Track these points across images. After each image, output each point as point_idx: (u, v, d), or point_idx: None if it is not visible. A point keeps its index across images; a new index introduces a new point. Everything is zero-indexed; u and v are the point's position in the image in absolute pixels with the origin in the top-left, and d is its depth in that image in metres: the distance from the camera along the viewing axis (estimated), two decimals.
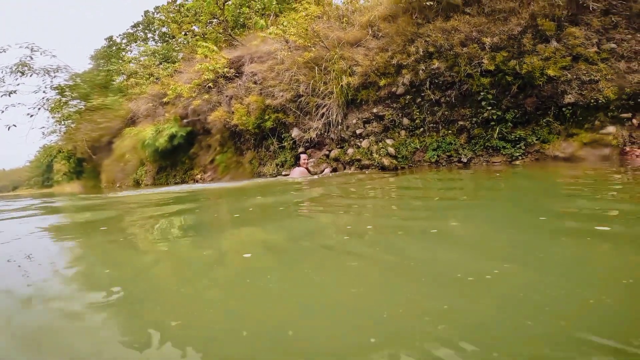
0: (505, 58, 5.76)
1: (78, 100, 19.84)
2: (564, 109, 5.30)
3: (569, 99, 5.22)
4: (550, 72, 5.28)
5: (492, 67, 5.80)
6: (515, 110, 5.65)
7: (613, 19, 5.48)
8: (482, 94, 5.87)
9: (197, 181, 10.05)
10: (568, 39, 5.51)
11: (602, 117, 5.00)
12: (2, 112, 16.25)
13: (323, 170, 7.32)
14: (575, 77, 5.28)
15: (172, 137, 9.93)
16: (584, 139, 5.00)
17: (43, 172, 27.76)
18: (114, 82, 17.72)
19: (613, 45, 5.32)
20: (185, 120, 10.32)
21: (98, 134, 14.83)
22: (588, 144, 4.98)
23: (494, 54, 5.86)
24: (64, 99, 19.17)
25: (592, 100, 5.11)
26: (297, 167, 7.42)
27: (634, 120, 4.84)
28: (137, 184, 12.32)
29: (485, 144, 5.83)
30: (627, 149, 4.69)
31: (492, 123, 5.80)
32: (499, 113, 5.72)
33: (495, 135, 5.68)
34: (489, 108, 5.80)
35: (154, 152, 10.45)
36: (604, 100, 4.93)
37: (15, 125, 16.32)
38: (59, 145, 19.44)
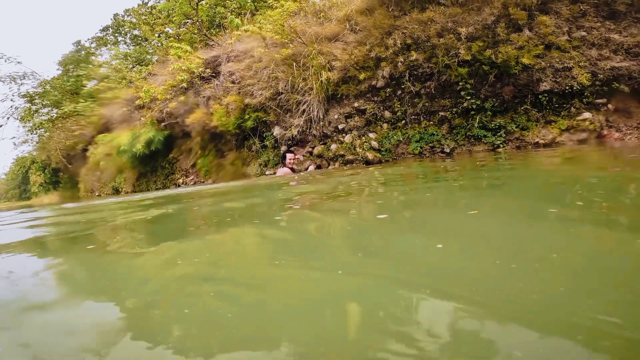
0: (481, 48, 5.80)
1: (49, 108, 19.10)
2: (540, 97, 5.39)
3: (544, 86, 5.30)
4: (525, 61, 5.35)
5: (469, 57, 5.83)
6: (494, 99, 5.70)
7: (581, 7, 5.59)
8: (460, 84, 5.91)
9: (178, 185, 9.81)
10: (540, 28, 5.60)
11: (577, 104, 5.12)
12: None
13: (307, 168, 7.24)
14: (549, 65, 5.37)
15: (149, 142, 9.63)
16: (561, 125, 5.11)
17: (19, 184, 26.70)
18: (84, 88, 17.09)
19: (583, 33, 5.43)
20: (163, 124, 10.04)
21: (72, 142, 14.28)
22: (566, 130, 5.08)
23: (469, 44, 5.90)
24: (34, 107, 18.41)
25: (567, 87, 5.21)
26: (282, 167, 7.22)
27: (610, 106, 4.97)
28: (116, 191, 11.93)
29: (466, 134, 5.88)
30: (605, 132, 4.80)
31: (472, 112, 5.84)
32: (478, 102, 5.77)
33: (476, 125, 5.73)
34: (468, 98, 5.84)
35: (132, 158, 10.13)
36: (578, 87, 5.03)
37: None
38: (32, 155, 18.67)
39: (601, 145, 4.58)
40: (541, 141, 5.25)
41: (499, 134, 5.57)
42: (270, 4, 9.12)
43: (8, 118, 16.87)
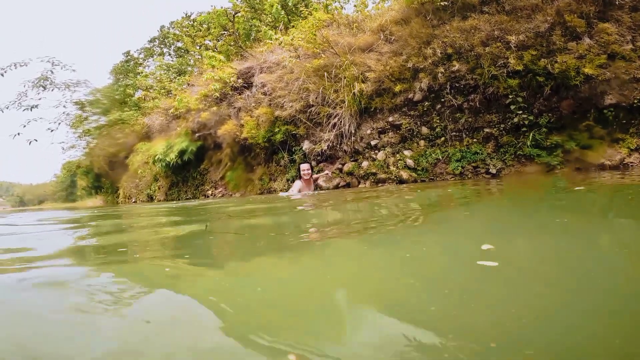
0: (534, 57, 5.10)
1: (98, 116, 19.96)
2: (605, 111, 4.59)
3: (609, 99, 4.52)
4: (588, 71, 4.60)
5: (520, 67, 5.15)
6: (550, 114, 4.96)
7: None
8: (510, 97, 5.21)
9: (207, 196, 9.66)
10: (601, 36, 4.84)
11: None
12: (24, 126, 16.20)
13: (337, 185, 6.76)
14: (614, 76, 4.58)
15: (182, 152, 9.58)
16: (630, 144, 4.29)
17: (67, 187, 28.25)
18: (131, 97, 17.69)
19: None
20: (196, 135, 9.97)
21: (115, 149, 14.73)
22: (636, 150, 4.27)
23: (521, 52, 5.21)
24: (84, 114, 19.30)
25: (636, 101, 4.39)
26: (297, 181, 6.15)
27: None
28: (150, 199, 12.06)
29: (516, 152, 5.15)
30: None
31: (524, 129, 5.12)
32: (531, 118, 5.05)
33: (529, 143, 5.00)
34: (519, 112, 5.13)
35: (166, 167, 10.13)
36: None
37: (36, 140, 16.36)
38: (78, 160, 19.57)
39: None
40: (607, 162, 4.45)
41: (555, 153, 4.81)
42: (303, 15, 8.83)
43: (59, 123, 17.65)
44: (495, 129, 5.40)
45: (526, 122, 5.05)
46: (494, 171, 5.27)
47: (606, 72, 4.60)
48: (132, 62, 21.98)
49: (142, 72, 19.60)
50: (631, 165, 4.25)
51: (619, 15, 4.97)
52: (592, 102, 4.65)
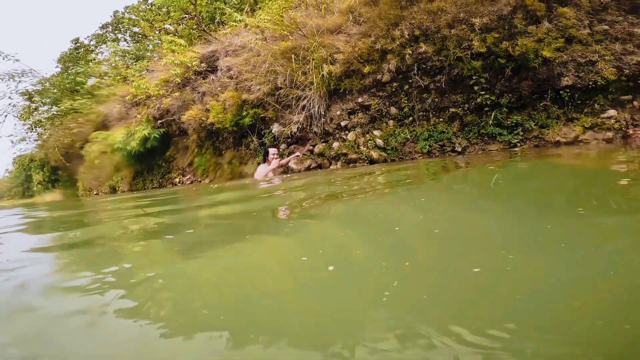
0: (496, 39, 5.26)
1: (48, 106, 18.59)
2: (561, 92, 4.85)
3: (566, 81, 4.76)
4: (546, 54, 4.81)
5: (483, 50, 5.29)
6: (510, 95, 5.17)
7: (602, 0, 5.04)
8: (474, 78, 5.37)
9: (175, 185, 9.29)
10: (559, 20, 5.06)
11: (601, 100, 4.60)
12: None
13: (309, 167, 6.73)
14: (571, 58, 4.84)
15: (145, 139, 9.10)
16: (585, 123, 4.58)
17: (22, 182, 26.27)
18: (83, 85, 16.58)
19: (606, 27, 4.91)
20: (159, 122, 9.51)
21: (70, 139, 13.77)
22: (590, 128, 4.56)
23: (484, 35, 5.36)
24: (33, 105, 17.89)
25: (591, 83, 4.68)
26: (260, 165, 6.17)
27: (635, 103, 4.45)
28: (113, 190, 11.42)
29: (479, 131, 5.34)
30: (630, 131, 4.28)
31: (486, 109, 5.30)
32: (493, 98, 5.24)
33: (491, 122, 5.19)
34: (482, 93, 5.31)
35: (128, 156, 9.61)
36: (602, 82, 4.51)
37: None
38: (31, 153, 18.18)
39: (626, 144, 4.05)
40: (562, 139, 4.72)
41: (515, 131, 5.03)
42: None
43: (6, 116, 16.34)
44: (460, 109, 5.56)
45: (488, 102, 5.24)
46: (459, 149, 5.44)
47: (563, 56, 4.83)
48: (82, 50, 20.63)
49: (94, 59, 18.42)
50: (585, 142, 4.53)
51: (578, 0, 5.21)
52: (550, 84, 4.89)
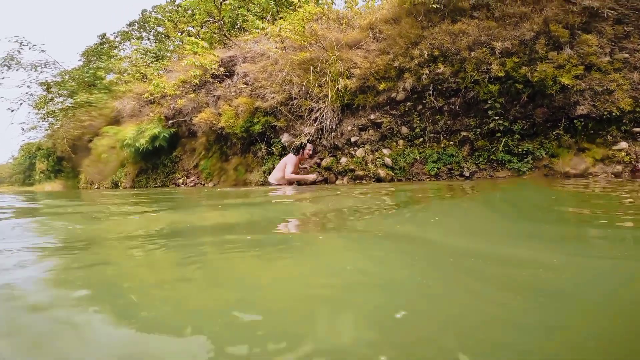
0: (516, 64, 5.54)
1: (64, 98, 19.74)
2: (575, 121, 5.06)
3: (581, 110, 4.97)
4: (564, 81, 5.04)
5: (501, 74, 5.57)
6: (524, 122, 5.39)
7: (626, 28, 5.31)
8: (489, 102, 5.62)
9: (178, 185, 9.71)
10: (581, 47, 5.32)
11: (614, 131, 4.79)
12: None
13: (315, 181, 7.00)
14: (588, 87, 5.06)
15: (154, 137, 9.62)
16: (596, 154, 4.76)
17: (25, 169, 27.41)
18: (102, 80, 17.60)
19: (626, 55, 5.14)
20: (170, 122, 10.05)
21: (80, 132, 14.56)
22: (600, 160, 4.72)
23: (504, 59, 5.65)
24: (49, 96, 19.03)
25: (606, 113, 4.87)
26: (290, 155, 6.73)
27: None
28: (115, 185, 11.95)
29: (489, 157, 5.55)
30: (639, 166, 4.42)
31: (498, 134, 5.53)
32: (506, 124, 5.46)
33: (501, 148, 5.40)
34: (496, 118, 5.54)
35: (135, 153, 10.13)
36: (617, 113, 4.71)
37: None
38: (39, 142, 19.16)
39: (634, 180, 4.18)
40: (572, 171, 4.88)
41: (525, 159, 5.23)
42: (294, 6, 9.14)
43: (21, 103, 17.37)
44: (471, 133, 5.79)
45: (501, 128, 5.47)
46: (467, 174, 5.64)
47: (581, 83, 5.07)
48: (106, 45, 21.92)
49: (116, 55, 19.55)
50: (595, 175, 4.69)
51: (602, 27, 5.46)
52: (565, 112, 5.10)
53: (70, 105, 16.94)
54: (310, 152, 6.76)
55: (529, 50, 5.54)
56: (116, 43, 22.35)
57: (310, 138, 7.43)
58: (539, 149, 5.18)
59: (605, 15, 5.43)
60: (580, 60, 5.17)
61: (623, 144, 4.67)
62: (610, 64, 5.07)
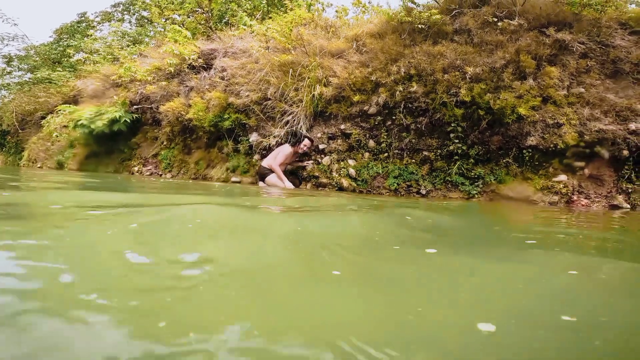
0: (482, 90, 6.70)
1: (23, 72, 20.96)
2: (524, 151, 6.22)
3: (531, 141, 6.14)
4: (521, 111, 6.22)
5: (468, 99, 6.70)
6: (480, 147, 6.54)
7: (589, 63, 6.55)
8: (452, 125, 6.77)
9: (133, 173, 10.59)
10: (543, 79, 6.52)
11: (556, 164, 5.94)
12: None
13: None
14: (541, 118, 6.24)
15: (113, 121, 10.57)
16: (537, 184, 5.90)
17: None
18: (69, 58, 18.82)
19: (582, 90, 6.35)
20: (135, 107, 11.06)
21: (32, 107, 15.48)
22: (540, 190, 5.86)
23: (472, 84, 6.81)
24: (8, 69, 20.22)
25: (552, 145, 6.03)
26: (286, 145, 7.70)
27: (586, 170, 5.78)
28: (60, 166, 12.75)
29: (445, 178, 6.65)
30: (575, 197, 5.54)
31: (456, 157, 6.66)
32: (464, 148, 6.61)
33: (456, 170, 6.51)
34: (456, 141, 6.68)
35: (88, 134, 11.02)
36: (562, 146, 5.87)
37: None
38: None
39: (568, 210, 5.28)
40: (515, 196, 5.98)
41: (476, 183, 6.34)
42: (285, 8, 10.49)
43: None
44: (432, 153, 6.91)
45: (459, 151, 6.60)
46: (424, 192, 6.71)
47: (536, 115, 6.24)
48: (84, 24, 23.35)
49: (91, 35, 20.85)
50: (534, 202, 5.80)
51: (567, 60, 6.64)
52: (517, 141, 6.27)
53: (28, 80, 18.01)
54: (305, 149, 7.81)
55: (497, 77, 6.75)
56: (94, 23, 23.79)
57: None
58: (489, 175, 6.31)
59: (574, 49, 6.70)
60: (540, 91, 6.38)
61: (562, 177, 5.83)
62: (566, 97, 6.29)
